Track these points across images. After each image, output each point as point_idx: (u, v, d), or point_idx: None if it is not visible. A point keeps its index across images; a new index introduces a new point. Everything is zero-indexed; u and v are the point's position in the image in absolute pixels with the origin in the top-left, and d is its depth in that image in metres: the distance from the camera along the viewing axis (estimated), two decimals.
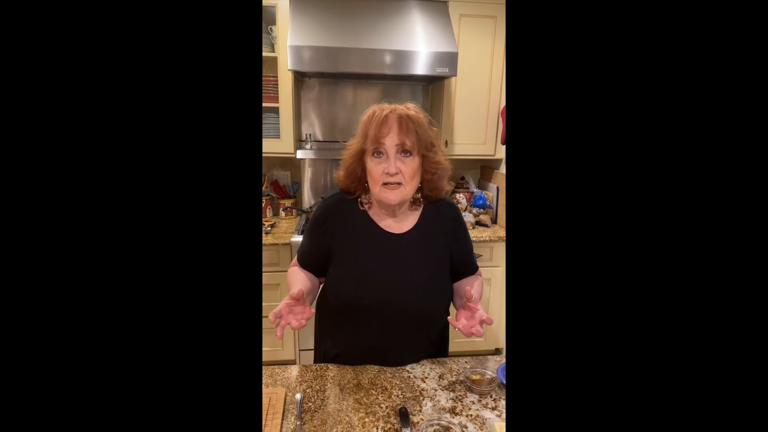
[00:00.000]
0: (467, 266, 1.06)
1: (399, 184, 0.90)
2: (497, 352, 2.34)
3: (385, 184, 0.90)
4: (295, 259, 1.07)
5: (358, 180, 0.97)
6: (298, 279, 0.98)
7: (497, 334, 2.31)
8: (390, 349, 0.99)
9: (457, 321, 0.88)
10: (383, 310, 0.94)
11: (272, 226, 2.19)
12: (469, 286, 0.90)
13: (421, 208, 1.00)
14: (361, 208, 0.98)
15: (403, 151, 0.89)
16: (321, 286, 1.07)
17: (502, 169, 2.34)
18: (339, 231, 0.97)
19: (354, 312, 0.96)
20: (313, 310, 0.88)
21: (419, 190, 0.97)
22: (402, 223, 0.98)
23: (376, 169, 0.90)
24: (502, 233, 2.17)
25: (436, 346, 1.07)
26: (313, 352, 1.16)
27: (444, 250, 1.00)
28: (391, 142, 0.88)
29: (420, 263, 0.97)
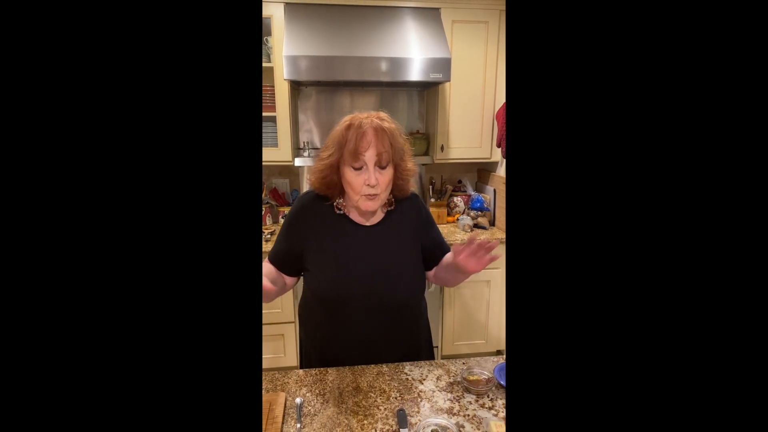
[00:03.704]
0: (441, 248, 1.11)
1: (376, 194, 0.94)
2: (498, 353, 2.35)
3: (365, 194, 0.94)
4: (264, 262, 1.06)
5: (335, 186, 1.00)
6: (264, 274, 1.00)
7: (498, 336, 2.32)
8: (372, 340, 1.01)
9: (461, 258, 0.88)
10: (362, 299, 0.97)
11: (272, 233, 2.21)
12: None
13: (389, 206, 1.06)
14: (338, 212, 1.02)
15: (381, 164, 0.93)
16: (288, 289, 1.09)
17: (499, 171, 2.36)
18: (314, 228, 1.01)
19: (334, 305, 0.99)
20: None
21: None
22: (373, 216, 1.04)
23: (356, 180, 0.93)
24: (500, 235, 2.18)
25: (416, 338, 1.10)
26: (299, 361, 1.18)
27: (415, 238, 1.05)
28: (370, 155, 0.92)
29: (393, 251, 1.02)
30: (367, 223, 1.03)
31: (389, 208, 1.05)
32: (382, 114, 0.97)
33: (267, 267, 1.05)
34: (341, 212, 1.02)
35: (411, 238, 1.05)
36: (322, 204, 1.03)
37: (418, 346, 1.11)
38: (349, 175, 0.94)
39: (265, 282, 0.83)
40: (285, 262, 1.05)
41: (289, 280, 1.07)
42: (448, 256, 1.07)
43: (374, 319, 0.99)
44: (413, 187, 1.08)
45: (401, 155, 0.97)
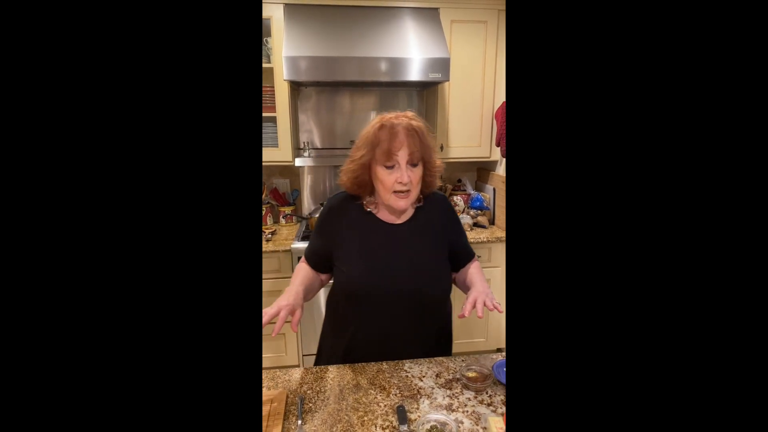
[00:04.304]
0: (465, 253, 1.13)
1: (408, 191, 0.98)
2: (498, 351, 2.36)
3: (396, 192, 0.97)
4: (303, 256, 1.13)
5: (366, 185, 1.03)
6: (297, 279, 1.05)
7: (498, 334, 2.33)
8: (398, 337, 1.03)
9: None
10: (390, 295, 0.99)
11: (273, 233, 2.22)
12: (471, 279, 1.06)
13: (417, 203, 1.08)
14: (366, 210, 1.05)
15: (412, 162, 0.96)
16: (323, 285, 1.12)
17: (498, 170, 2.37)
18: (344, 227, 1.04)
19: (362, 301, 1.01)
20: (300, 313, 0.93)
21: None
22: (401, 215, 1.06)
23: (388, 179, 0.96)
24: (500, 234, 2.19)
25: (440, 337, 1.12)
26: (315, 357, 1.20)
27: (441, 237, 1.07)
28: (403, 155, 0.95)
29: (421, 249, 1.04)
30: (396, 221, 1.05)
31: (418, 205, 1.07)
32: (410, 113, 1.00)
33: (304, 269, 1.08)
34: (369, 210, 1.05)
35: (439, 238, 1.07)
36: (351, 204, 1.06)
37: (439, 343, 1.13)
38: (381, 173, 0.97)
39: (296, 302, 0.92)
40: (318, 261, 1.09)
41: (324, 276, 1.12)
42: (470, 275, 1.09)
43: (398, 317, 1.01)
44: (439, 183, 1.11)
45: (430, 152, 1.00)
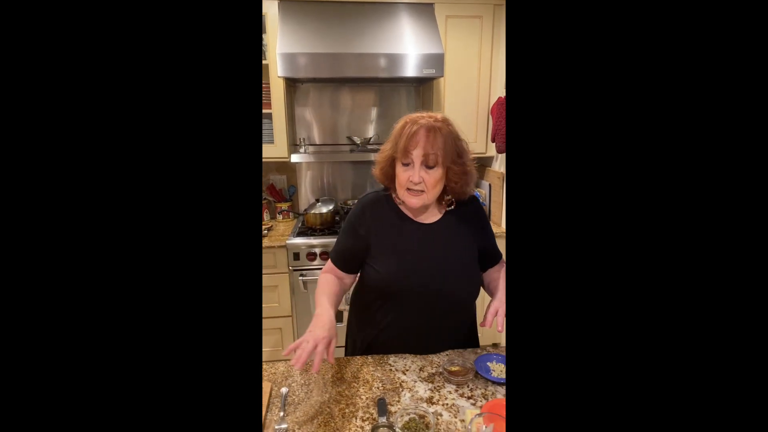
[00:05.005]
0: (493, 255, 1.15)
1: (422, 191, 0.98)
2: (495, 346, 2.36)
3: (408, 189, 0.99)
4: (327, 264, 1.12)
5: (392, 178, 1.05)
6: (325, 300, 1.00)
7: (493, 330, 2.33)
8: (424, 334, 1.05)
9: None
10: (418, 293, 1.01)
11: (269, 229, 2.24)
12: (496, 285, 1.08)
13: (447, 207, 1.08)
14: (394, 203, 1.07)
15: (427, 164, 0.96)
16: (346, 290, 1.13)
17: (494, 166, 2.37)
18: (375, 225, 1.05)
19: (390, 297, 1.03)
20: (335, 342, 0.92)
21: (446, 192, 1.05)
22: (432, 215, 1.07)
23: (402, 175, 0.99)
24: (496, 229, 2.19)
25: (467, 335, 1.15)
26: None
27: (471, 238, 1.08)
28: (417, 154, 0.96)
29: (450, 249, 1.05)
30: (425, 221, 1.06)
31: (448, 209, 1.08)
32: (440, 116, 1.00)
33: (329, 283, 1.06)
34: (396, 204, 1.06)
35: (468, 241, 1.07)
36: (384, 204, 1.07)
37: (466, 341, 1.14)
38: (399, 169, 0.99)
39: (330, 315, 0.94)
40: (347, 260, 1.09)
41: (348, 279, 1.11)
42: (494, 281, 1.11)
43: (425, 314, 1.03)
44: (473, 191, 1.09)
45: (454, 158, 0.98)
